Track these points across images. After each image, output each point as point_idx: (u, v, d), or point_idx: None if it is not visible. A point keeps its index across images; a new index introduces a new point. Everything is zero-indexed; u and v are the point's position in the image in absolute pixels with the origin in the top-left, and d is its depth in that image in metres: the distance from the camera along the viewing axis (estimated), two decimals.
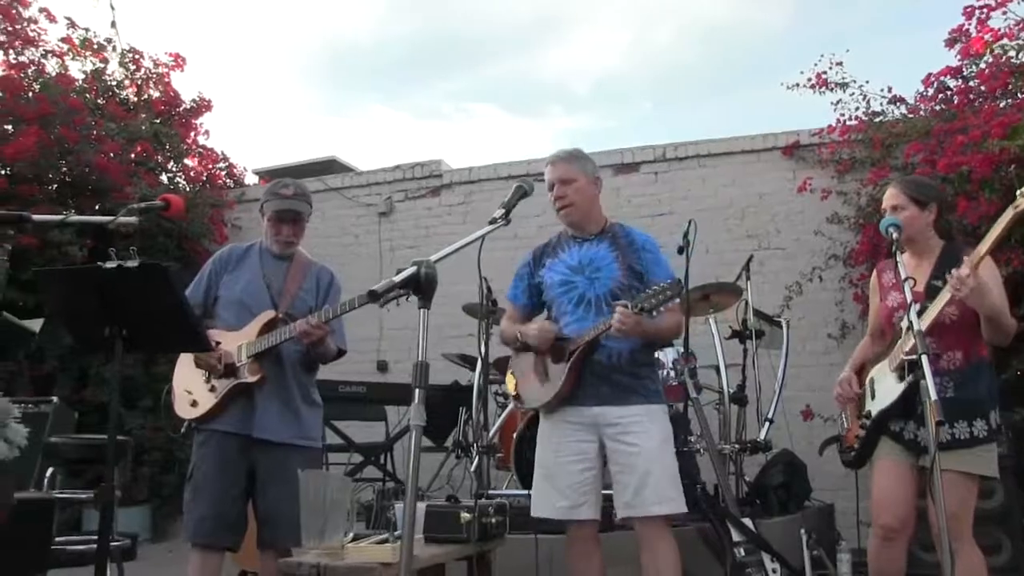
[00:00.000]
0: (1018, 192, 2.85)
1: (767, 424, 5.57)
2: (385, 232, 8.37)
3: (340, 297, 3.56)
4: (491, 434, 5.48)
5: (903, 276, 2.91)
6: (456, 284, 7.71)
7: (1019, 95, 5.81)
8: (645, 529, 3.22)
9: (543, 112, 28.29)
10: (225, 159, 9.01)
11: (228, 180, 9.02)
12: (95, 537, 2.75)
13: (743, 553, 4.38)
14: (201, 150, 8.89)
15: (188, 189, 8.58)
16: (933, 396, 2.52)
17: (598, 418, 3.26)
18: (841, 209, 6.80)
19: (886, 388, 3.15)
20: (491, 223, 2.79)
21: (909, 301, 2.80)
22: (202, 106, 9.03)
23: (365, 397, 5.91)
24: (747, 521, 4.57)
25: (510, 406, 5.69)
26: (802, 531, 4.95)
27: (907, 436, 3.11)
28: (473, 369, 6.25)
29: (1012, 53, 5.82)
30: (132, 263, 2.87)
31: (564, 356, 3.30)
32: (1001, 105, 5.85)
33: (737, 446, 5.36)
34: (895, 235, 3.06)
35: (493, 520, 3.14)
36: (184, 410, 3.42)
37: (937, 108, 6.26)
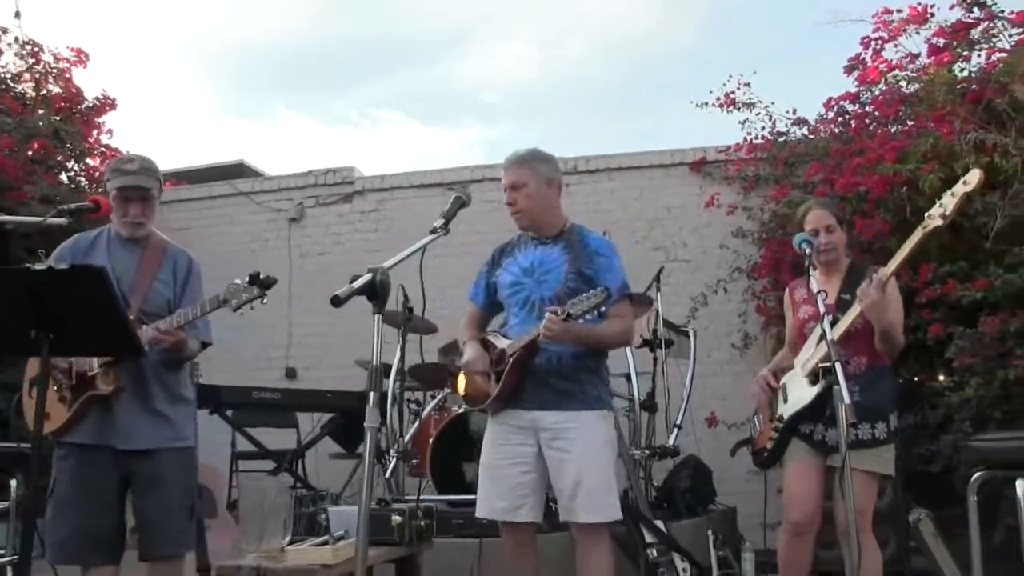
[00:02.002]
0: (926, 214, 3.10)
1: (675, 430, 5.76)
2: (295, 238, 8.29)
3: (200, 284, 3.37)
4: (406, 440, 5.50)
5: (816, 289, 3.11)
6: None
7: (908, 122, 6.19)
8: (579, 534, 3.27)
9: (454, 122, 28.40)
10: None
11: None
12: None
13: (655, 554, 4.54)
14: (104, 149, 8.60)
15: (90, 189, 8.30)
16: (847, 400, 2.71)
17: (536, 422, 3.26)
18: (745, 224, 7.06)
19: (798, 393, 3.35)
20: (432, 232, 2.85)
21: (823, 312, 2.99)
22: (105, 104, 8.73)
23: (279, 404, 5.85)
24: (659, 523, 4.75)
25: (424, 412, 5.75)
26: (709, 532, 5.16)
27: (816, 437, 3.32)
28: (386, 376, 6.27)
29: (903, 83, 6.19)
30: (63, 265, 2.83)
31: (505, 360, 3.30)
32: (892, 131, 6.23)
33: (647, 451, 5.53)
34: (808, 250, 3.26)
35: (422, 523, 3.19)
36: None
37: (836, 131, 6.60)
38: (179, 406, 3.28)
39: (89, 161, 8.61)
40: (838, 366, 2.80)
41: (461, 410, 5.38)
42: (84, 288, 2.70)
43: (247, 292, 2.99)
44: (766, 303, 6.76)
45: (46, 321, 2.68)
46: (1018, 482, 2.62)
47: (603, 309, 3.07)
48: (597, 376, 3.39)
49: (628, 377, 5.66)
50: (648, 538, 4.57)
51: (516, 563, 3.41)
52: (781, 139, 6.90)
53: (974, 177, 3.06)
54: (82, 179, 8.48)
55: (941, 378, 5.53)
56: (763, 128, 7.02)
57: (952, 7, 5.85)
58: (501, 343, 3.38)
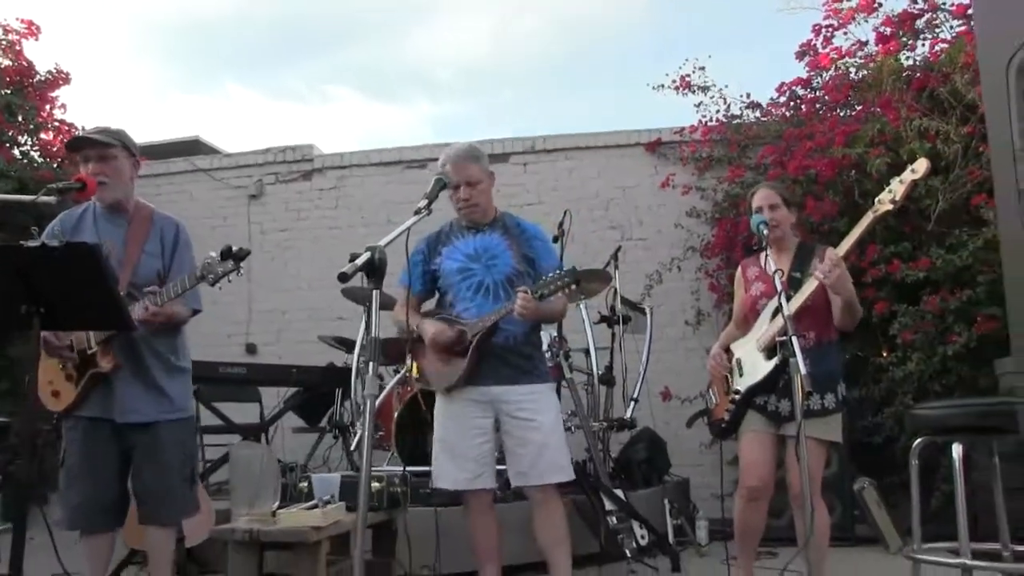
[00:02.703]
0: (876, 199, 3.29)
1: (632, 403, 5.95)
2: (255, 215, 8.30)
3: (191, 252, 3.40)
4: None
5: (773, 268, 3.29)
6: (334, 268, 7.82)
7: (857, 107, 6.42)
8: (540, 494, 3.48)
9: (404, 98, 28.25)
10: None
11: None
12: None
13: (615, 521, 4.72)
14: (58, 124, 8.49)
15: (44, 164, 8.20)
16: (803, 370, 2.89)
17: (497, 396, 3.48)
18: (699, 204, 7.27)
19: (754, 366, 3.53)
20: (416, 213, 2.95)
21: (780, 290, 3.16)
22: (59, 78, 8.59)
23: (245, 378, 5.90)
24: (618, 492, 4.93)
25: (387, 387, 5.85)
26: (665, 501, 5.40)
27: (770, 408, 3.51)
28: (348, 352, 6.35)
29: (852, 70, 6.42)
30: (54, 242, 2.87)
31: (465, 340, 3.46)
32: (841, 115, 6.45)
33: (605, 424, 5.72)
34: (765, 231, 3.44)
35: (399, 489, 3.32)
36: (48, 401, 3.28)
37: (788, 114, 6.82)
38: (175, 377, 3.35)
39: (43, 136, 8.49)
40: (794, 339, 2.98)
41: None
42: (77, 265, 2.73)
43: (222, 266, 3.06)
44: (719, 281, 6.98)
45: (37, 297, 2.72)
46: (953, 445, 2.82)
47: (573, 287, 3.30)
48: (540, 351, 3.70)
49: (587, 352, 5.82)
50: (608, 506, 4.75)
51: (483, 526, 3.58)
52: (735, 122, 7.09)
53: (922, 166, 3.25)
54: (35, 154, 8.37)
55: (884, 354, 5.77)
56: (717, 111, 7.21)
57: None
58: (458, 325, 3.52)
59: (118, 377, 3.20)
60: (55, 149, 8.26)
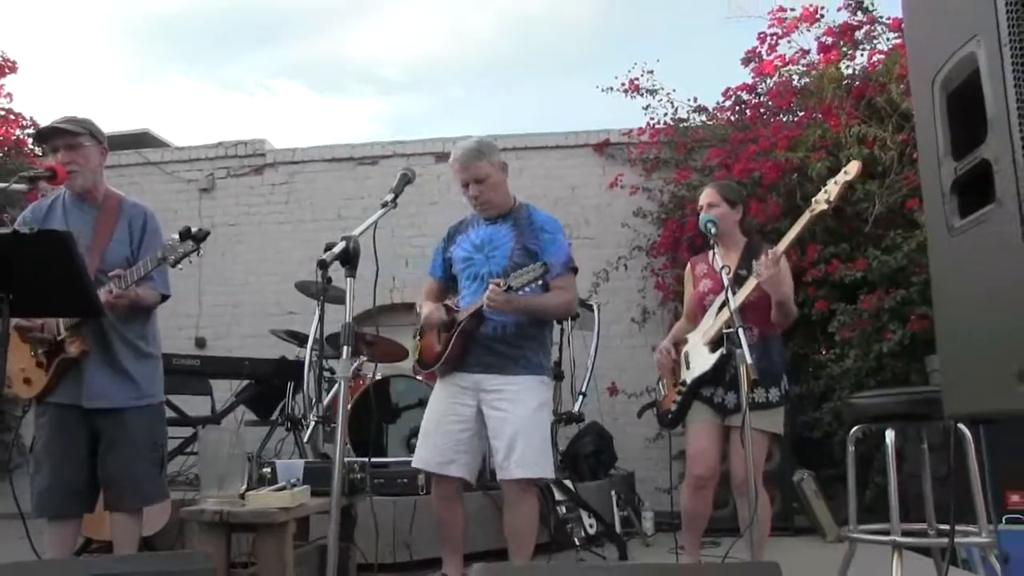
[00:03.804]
0: (813, 200, 3.46)
1: (581, 398, 6.09)
2: (206, 209, 8.27)
3: (159, 238, 3.37)
4: (325, 404, 5.67)
5: (720, 265, 3.44)
6: (284, 263, 7.86)
7: (799, 113, 6.66)
8: (509, 491, 3.51)
9: (352, 94, 28.12)
10: (34, 124, 8.50)
11: (37, 147, 8.53)
12: None
13: (564, 511, 4.87)
14: (4, 113, 8.37)
15: None
16: (748, 360, 3.04)
17: (479, 384, 3.52)
18: (645, 204, 7.44)
19: (700, 360, 3.68)
20: (383, 206, 3.02)
21: (726, 286, 3.32)
22: (4, 67, 8.49)
23: (198, 370, 5.92)
24: (567, 483, 5.07)
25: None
26: (612, 493, 5.54)
27: (716, 400, 3.65)
28: (301, 345, 6.40)
29: (795, 77, 6.65)
30: (25, 229, 2.90)
31: (454, 326, 3.55)
32: (784, 120, 6.68)
33: (554, 417, 5.85)
34: (713, 230, 3.59)
35: (359, 476, 3.40)
36: (20, 388, 3.30)
37: (733, 119, 7.03)
38: (144, 363, 3.35)
39: None
40: (740, 331, 3.13)
41: (378, 378, 5.61)
42: (48, 252, 2.75)
43: (183, 247, 3.07)
44: (664, 280, 7.17)
45: (6, 283, 2.72)
46: (887, 432, 3.00)
47: (541, 282, 3.34)
48: (538, 344, 3.64)
49: None
50: (557, 496, 4.89)
51: (447, 515, 3.64)
52: (682, 125, 7.28)
53: (854, 167, 3.43)
54: None
55: (823, 352, 6.00)
56: (666, 114, 7.40)
57: (839, 9, 6.34)
58: (452, 312, 3.63)
59: (87, 363, 3.22)
60: (0, 139, 8.14)
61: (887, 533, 2.98)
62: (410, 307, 8.02)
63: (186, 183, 8.35)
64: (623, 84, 7.39)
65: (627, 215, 7.50)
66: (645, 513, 5.58)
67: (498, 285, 3.31)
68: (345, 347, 2.65)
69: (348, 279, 2.71)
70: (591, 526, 4.92)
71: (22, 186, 2.99)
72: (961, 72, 1.60)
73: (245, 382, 6.22)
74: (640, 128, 7.45)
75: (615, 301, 7.46)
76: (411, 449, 4.99)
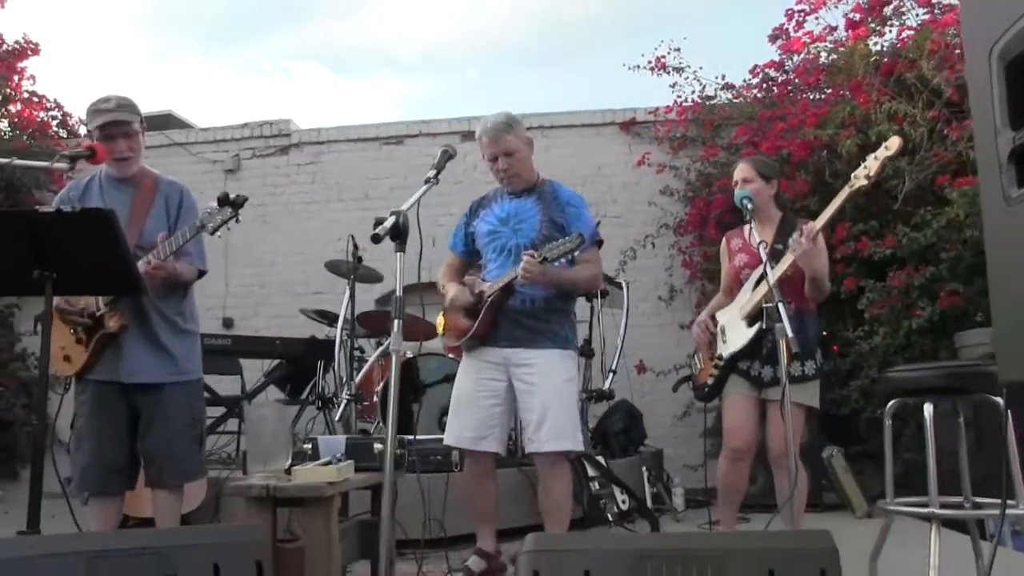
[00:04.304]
0: (852, 175, 3.46)
1: (611, 375, 6.13)
2: (232, 189, 8.18)
3: (195, 215, 3.36)
4: (357, 382, 5.73)
5: (757, 240, 3.46)
6: (310, 243, 7.91)
7: (828, 90, 6.63)
8: (541, 464, 3.57)
9: (369, 74, 28.08)
10: (58, 107, 8.57)
11: (61, 130, 8.61)
12: None
13: (597, 487, 4.92)
14: (28, 95, 8.42)
15: (14, 135, 8.14)
16: (790, 333, 3.06)
17: (508, 358, 3.56)
18: (672, 183, 7.46)
19: (737, 333, 3.71)
20: (426, 183, 3.06)
21: (764, 260, 3.34)
22: (27, 48, 8.51)
23: (228, 350, 5.98)
24: (600, 459, 5.12)
25: (372, 358, 5.97)
26: (644, 469, 5.59)
27: (753, 373, 3.68)
28: (330, 325, 6.45)
29: (823, 54, 6.62)
30: (67, 208, 2.95)
31: (483, 301, 3.58)
32: (811, 98, 6.66)
33: (584, 395, 5.89)
34: (749, 205, 3.60)
35: (399, 451, 3.44)
36: (60, 366, 3.32)
37: (760, 96, 7.00)
38: (182, 339, 3.38)
39: (11, 107, 8.43)
40: (781, 305, 3.15)
41: (409, 356, 5.67)
42: (92, 230, 2.81)
43: (220, 214, 3.12)
44: (691, 258, 7.18)
45: (49, 262, 2.78)
46: (926, 405, 3.02)
47: (576, 254, 3.36)
48: (565, 318, 3.70)
49: None
50: (590, 472, 4.94)
51: (478, 491, 3.70)
52: (709, 103, 7.27)
53: (895, 143, 3.41)
54: (3, 125, 8.32)
55: (851, 330, 6.00)
56: (693, 92, 7.39)
57: None
58: (480, 286, 3.65)
59: (125, 338, 3.25)
60: (21, 122, 8.20)
61: (924, 506, 3.00)
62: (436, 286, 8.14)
63: (211, 164, 8.41)
64: (649, 62, 7.38)
65: (654, 193, 7.51)
66: (675, 489, 5.63)
67: (532, 256, 3.34)
68: (397, 320, 2.67)
69: (398, 254, 2.75)
70: (623, 502, 4.97)
71: (63, 164, 3.03)
72: (1020, 43, 1.61)
73: (276, 362, 6.28)
74: (668, 106, 7.44)
75: (642, 279, 7.48)
76: (442, 427, 5.07)
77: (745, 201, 3.63)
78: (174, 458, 3.26)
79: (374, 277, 6.23)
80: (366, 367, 5.95)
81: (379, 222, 2.75)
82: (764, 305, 3.32)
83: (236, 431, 5.99)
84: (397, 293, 2.74)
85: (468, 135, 8.22)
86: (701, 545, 1.85)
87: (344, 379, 5.76)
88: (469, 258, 3.91)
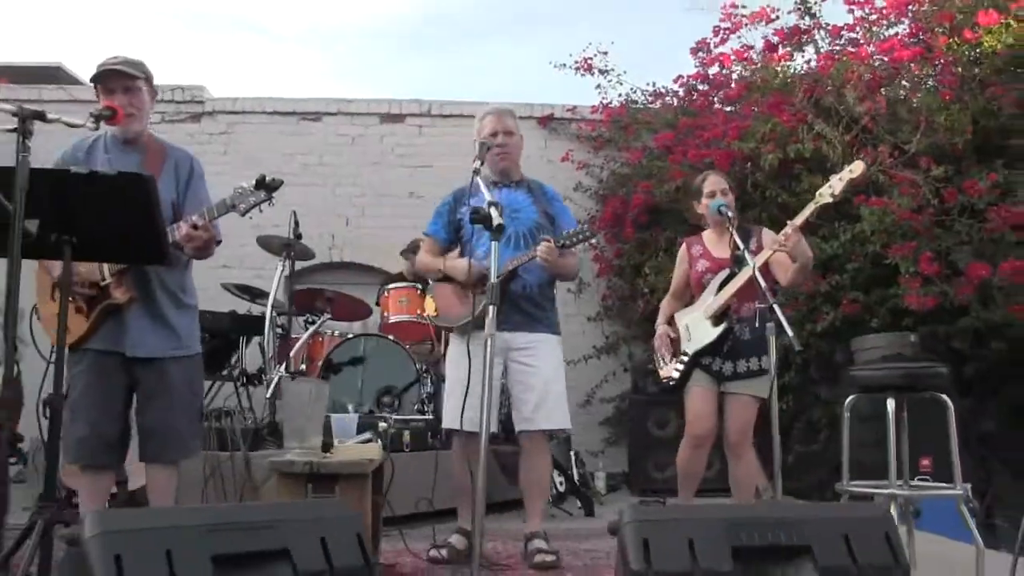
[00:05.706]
0: (818, 192, 3.84)
1: None
2: None
3: (205, 185, 3.36)
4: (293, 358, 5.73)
5: (740, 247, 3.78)
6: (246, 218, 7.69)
7: (742, 105, 7.06)
8: (532, 442, 3.80)
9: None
10: None
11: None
12: None
13: None
14: None
15: None
16: (790, 332, 3.37)
17: (508, 342, 3.73)
18: (585, 180, 7.78)
19: (701, 332, 4.03)
20: (475, 173, 3.21)
21: (753, 265, 3.66)
22: None
23: None
24: None
25: (307, 334, 5.95)
26: (571, 453, 5.87)
27: (714, 368, 4.02)
28: (252, 301, 6.36)
29: (743, 71, 7.05)
30: (105, 171, 2.87)
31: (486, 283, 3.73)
32: (727, 111, 7.08)
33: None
34: (729, 214, 3.92)
35: (392, 431, 3.56)
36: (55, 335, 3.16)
37: (679, 104, 7.40)
38: (183, 313, 3.34)
39: None
40: (776, 307, 3.48)
41: (346, 335, 5.74)
42: (129, 195, 2.73)
43: (254, 196, 3.09)
44: (604, 254, 7.52)
45: (69, 226, 2.70)
46: (888, 400, 3.41)
47: (591, 242, 3.63)
48: (552, 304, 3.99)
49: None
50: None
51: (463, 471, 3.76)
52: (633, 107, 7.61)
53: (859, 167, 3.82)
54: None
55: None
56: (620, 95, 7.73)
57: (790, 12, 6.76)
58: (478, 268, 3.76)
59: (129, 310, 3.18)
60: None
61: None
62: (350, 266, 8.12)
63: None
64: (576, 63, 7.64)
65: (568, 190, 7.74)
66: (598, 474, 5.94)
67: (550, 242, 3.60)
68: (491, 307, 2.80)
69: (493, 243, 2.88)
70: (560, 484, 5.22)
71: (91, 124, 2.92)
72: None
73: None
74: (594, 106, 7.73)
75: None
76: (382, 406, 5.18)
77: (724, 209, 3.95)
78: (171, 434, 3.23)
79: (307, 254, 6.20)
80: (299, 344, 5.92)
81: (476, 212, 2.87)
82: (757, 306, 3.63)
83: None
84: (492, 280, 2.88)
85: (387, 117, 8.27)
86: (784, 514, 2.10)
87: (271, 355, 5.72)
88: (450, 245, 4.04)
